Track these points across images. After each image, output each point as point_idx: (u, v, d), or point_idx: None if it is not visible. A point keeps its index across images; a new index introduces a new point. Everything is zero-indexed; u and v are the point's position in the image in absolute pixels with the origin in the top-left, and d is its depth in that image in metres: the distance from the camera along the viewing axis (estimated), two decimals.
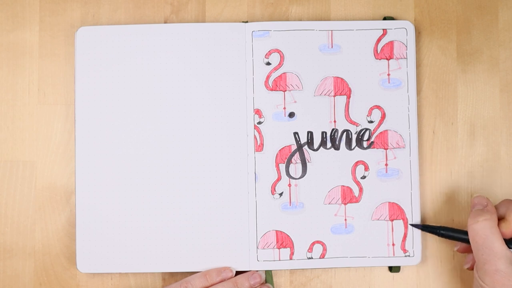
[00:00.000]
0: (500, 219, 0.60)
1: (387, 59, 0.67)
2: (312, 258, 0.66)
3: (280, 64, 0.67)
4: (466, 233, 0.61)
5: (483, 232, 0.58)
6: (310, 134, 0.67)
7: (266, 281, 0.66)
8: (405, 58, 0.67)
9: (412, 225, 0.66)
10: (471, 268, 0.63)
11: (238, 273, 0.66)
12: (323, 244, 0.66)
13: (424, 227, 0.65)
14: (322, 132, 0.67)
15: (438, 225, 0.66)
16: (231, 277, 0.65)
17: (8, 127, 0.68)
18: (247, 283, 0.64)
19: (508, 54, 0.69)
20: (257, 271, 0.66)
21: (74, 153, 0.66)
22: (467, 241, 0.61)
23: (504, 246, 0.57)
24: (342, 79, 0.67)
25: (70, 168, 0.68)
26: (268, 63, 0.67)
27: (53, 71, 0.68)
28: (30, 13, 0.69)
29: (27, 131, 0.68)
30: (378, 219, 0.66)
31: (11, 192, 0.67)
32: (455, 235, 0.63)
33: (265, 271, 0.66)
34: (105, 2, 0.69)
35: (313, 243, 0.66)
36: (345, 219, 0.66)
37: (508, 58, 0.69)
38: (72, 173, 0.67)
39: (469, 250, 0.63)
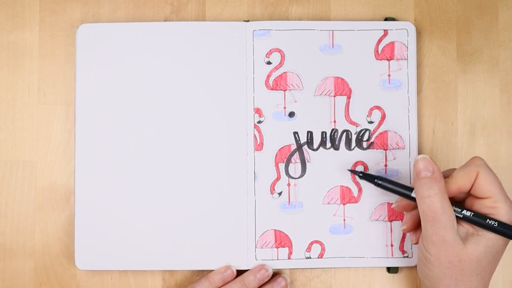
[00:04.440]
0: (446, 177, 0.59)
1: (387, 59, 0.67)
2: (310, 257, 0.66)
3: (280, 64, 0.67)
4: (408, 188, 0.60)
5: (435, 205, 0.56)
6: (310, 134, 0.67)
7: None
8: (405, 59, 0.67)
9: (350, 170, 0.65)
10: (408, 230, 0.63)
11: (237, 272, 0.66)
12: (321, 244, 0.66)
13: (363, 175, 0.63)
14: (322, 132, 0.67)
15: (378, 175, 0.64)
16: (233, 276, 0.65)
17: (8, 127, 0.68)
18: (253, 277, 0.64)
19: (508, 54, 0.69)
20: (264, 265, 0.66)
21: (74, 153, 0.66)
22: (407, 197, 0.60)
23: (453, 217, 0.56)
24: (342, 79, 0.67)
25: (70, 168, 0.68)
26: (269, 63, 0.67)
27: (53, 71, 0.68)
28: (30, 13, 0.69)
29: (27, 131, 0.68)
30: (377, 220, 0.66)
31: (11, 192, 0.68)
32: (394, 188, 0.61)
33: None
34: (105, 2, 0.69)
35: (312, 243, 0.66)
36: (344, 219, 0.66)
37: (508, 58, 0.69)
38: (72, 173, 0.67)
39: (408, 209, 0.62)
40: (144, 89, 0.67)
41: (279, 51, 0.67)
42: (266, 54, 0.67)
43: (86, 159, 0.66)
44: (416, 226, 0.62)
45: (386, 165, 0.67)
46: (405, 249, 0.66)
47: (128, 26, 0.67)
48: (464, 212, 0.58)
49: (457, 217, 0.57)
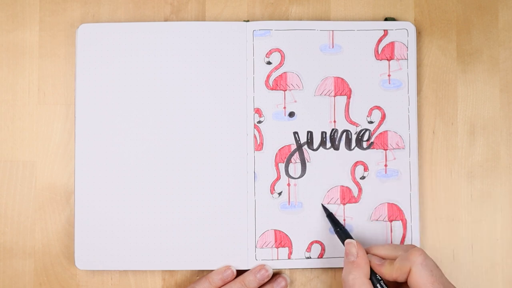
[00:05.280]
0: (389, 259, 0.60)
1: (387, 59, 0.67)
2: (310, 257, 0.66)
3: (280, 64, 0.67)
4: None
5: None
6: (310, 134, 0.67)
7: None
8: (405, 59, 0.67)
9: (323, 205, 0.66)
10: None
11: (237, 272, 0.66)
12: (321, 244, 0.66)
13: (329, 216, 0.65)
14: (322, 132, 0.67)
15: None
16: (233, 276, 0.65)
17: (8, 127, 0.68)
18: (253, 277, 0.65)
19: (508, 54, 0.69)
20: (264, 265, 0.66)
21: (74, 153, 0.66)
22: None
23: None
24: (342, 79, 0.67)
25: (70, 168, 0.68)
26: (269, 63, 0.67)
27: (53, 71, 0.68)
28: (30, 13, 0.69)
29: (27, 131, 0.68)
30: (377, 220, 0.66)
31: (11, 192, 0.68)
32: (341, 240, 0.63)
33: None
34: (105, 2, 0.69)
35: (312, 243, 0.66)
36: (344, 219, 0.66)
37: (508, 58, 0.69)
38: (71, 173, 0.68)
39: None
40: (144, 89, 0.67)
41: (279, 51, 0.67)
42: (266, 54, 0.67)
43: (86, 159, 0.66)
44: None
45: (386, 165, 0.67)
46: None
47: (128, 26, 0.67)
48: None
49: None
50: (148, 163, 0.66)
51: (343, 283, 0.59)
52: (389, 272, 0.58)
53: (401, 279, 0.58)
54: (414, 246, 0.60)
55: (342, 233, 0.63)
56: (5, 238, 0.67)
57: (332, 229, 0.65)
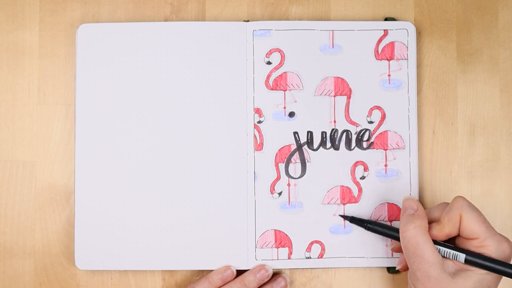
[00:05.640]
0: (435, 221, 0.59)
1: (387, 59, 0.67)
2: (310, 257, 0.66)
3: (280, 64, 0.67)
4: (396, 230, 0.61)
5: (414, 240, 0.57)
6: (310, 134, 0.67)
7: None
8: (405, 59, 0.67)
9: (341, 216, 0.66)
10: (403, 269, 0.63)
11: (237, 272, 0.66)
12: (321, 244, 0.66)
13: (353, 219, 0.65)
14: (322, 132, 0.67)
15: (375, 219, 0.66)
16: (233, 276, 0.65)
17: (8, 127, 0.68)
18: (253, 277, 0.65)
19: (508, 54, 0.69)
20: (264, 265, 0.66)
21: (74, 153, 0.66)
22: (396, 238, 0.61)
23: (435, 253, 0.57)
24: (342, 79, 0.67)
25: (70, 168, 0.68)
26: (269, 63, 0.67)
27: (53, 71, 0.68)
28: (30, 13, 0.69)
29: (27, 131, 0.68)
30: (377, 220, 0.66)
31: (11, 192, 0.68)
32: (383, 230, 0.62)
33: None
34: (105, 2, 0.69)
35: (312, 243, 0.66)
36: (344, 219, 0.66)
37: (508, 58, 0.69)
38: (72, 173, 0.67)
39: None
40: (144, 89, 0.67)
41: (279, 51, 0.67)
42: (266, 54, 0.67)
43: (86, 159, 0.66)
44: None
45: (386, 165, 0.67)
46: None
47: (128, 26, 0.67)
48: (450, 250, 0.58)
49: (445, 257, 0.58)
50: (148, 163, 0.66)
51: (402, 238, 0.58)
52: (440, 230, 0.58)
53: (453, 232, 0.58)
54: (456, 198, 0.59)
55: (374, 224, 0.63)
56: (5, 238, 0.67)
57: (333, 229, 0.65)
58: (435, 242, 0.58)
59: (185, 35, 0.67)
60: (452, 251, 0.58)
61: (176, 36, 0.67)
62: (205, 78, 0.67)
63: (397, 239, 0.61)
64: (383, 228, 0.63)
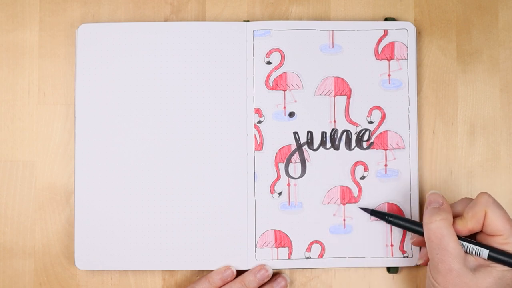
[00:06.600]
0: (457, 216, 0.59)
1: (387, 59, 0.67)
2: (310, 257, 0.66)
3: (280, 64, 0.67)
4: (417, 224, 0.61)
5: (439, 231, 0.57)
6: (310, 134, 0.67)
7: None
8: (405, 59, 0.67)
9: (362, 208, 0.66)
10: (425, 264, 0.63)
11: (237, 272, 0.66)
12: (321, 244, 0.66)
13: (373, 212, 0.65)
14: (322, 132, 0.67)
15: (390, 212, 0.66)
16: (233, 276, 0.65)
17: (8, 127, 0.68)
18: (253, 277, 0.65)
19: (508, 54, 0.69)
20: (264, 265, 0.66)
21: (74, 153, 0.66)
22: (417, 232, 0.61)
23: (459, 246, 0.57)
24: (342, 79, 0.67)
25: (70, 168, 0.68)
26: (269, 63, 0.67)
27: (53, 71, 0.68)
28: (30, 13, 0.69)
29: (27, 131, 0.68)
30: (377, 220, 0.66)
31: (11, 192, 0.68)
32: (404, 224, 0.62)
33: None
34: (105, 2, 0.69)
35: (312, 243, 0.66)
36: (344, 219, 0.66)
37: (508, 58, 0.69)
38: (72, 173, 0.68)
39: (423, 243, 0.63)
40: (144, 89, 0.67)
41: (279, 51, 0.67)
42: (266, 54, 0.67)
43: (86, 159, 0.66)
44: None
45: (386, 165, 0.67)
46: (405, 249, 0.66)
47: (128, 26, 0.67)
48: (473, 246, 0.58)
49: (467, 252, 0.58)
50: (148, 163, 0.66)
51: (427, 229, 0.58)
52: (463, 225, 0.58)
53: (477, 228, 0.58)
54: (480, 194, 0.59)
55: (395, 218, 0.63)
56: (5, 238, 0.67)
57: (333, 229, 0.65)
58: (458, 237, 0.58)
59: (185, 35, 0.67)
60: (475, 247, 0.58)
61: (176, 36, 0.67)
62: (205, 78, 0.67)
63: (417, 232, 0.61)
64: (404, 221, 0.63)
